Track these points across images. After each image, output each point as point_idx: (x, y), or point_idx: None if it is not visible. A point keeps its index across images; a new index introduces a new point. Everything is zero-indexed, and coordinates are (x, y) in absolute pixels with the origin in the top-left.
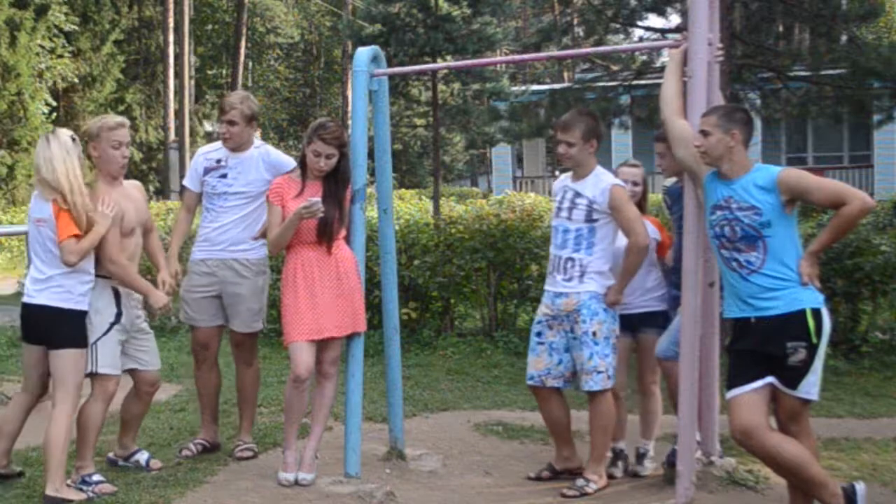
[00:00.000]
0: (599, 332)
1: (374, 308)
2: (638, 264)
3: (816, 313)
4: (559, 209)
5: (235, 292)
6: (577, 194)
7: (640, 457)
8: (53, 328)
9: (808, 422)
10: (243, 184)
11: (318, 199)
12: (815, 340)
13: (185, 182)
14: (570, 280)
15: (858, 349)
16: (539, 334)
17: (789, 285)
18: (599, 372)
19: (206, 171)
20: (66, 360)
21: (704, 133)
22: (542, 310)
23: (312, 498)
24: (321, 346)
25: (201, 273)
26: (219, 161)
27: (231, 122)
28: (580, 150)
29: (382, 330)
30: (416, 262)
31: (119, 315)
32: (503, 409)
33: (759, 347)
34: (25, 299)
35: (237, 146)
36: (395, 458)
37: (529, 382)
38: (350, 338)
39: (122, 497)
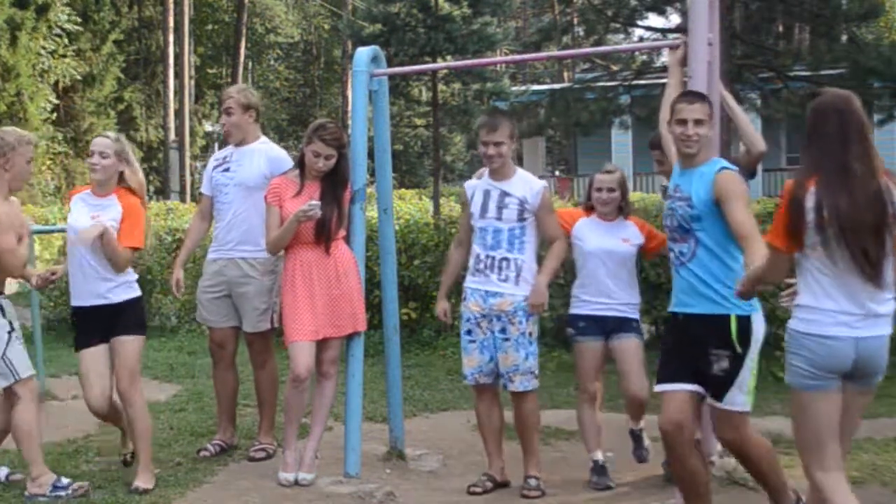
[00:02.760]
0: (534, 332)
1: (374, 308)
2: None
3: (744, 320)
4: (484, 209)
5: (241, 292)
6: (506, 194)
7: (639, 438)
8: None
9: (747, 430)
10: (242, 175)
11: (317, 202)
12: (738, 350)
13: (202, 188)
14: (505, 280)
15: None
16: (469, 332)
17: (717, 287)
18: (532, 372)
19: (214, 168)
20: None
21: (700, 122)
22: (471, 308)
23: (312, 498)
24: (321, 346)
25: (212, 273)
26: (225, 158)
27: (228, 112)
28: (508, 149)
29: (382, 330)
30: (416, 262)
31: (11, 324)
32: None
33: (686, 347)
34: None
35: (240, 139)
36: (395, 458)
37: (466, 382)
38: (350, 338)
39: (122, 497)
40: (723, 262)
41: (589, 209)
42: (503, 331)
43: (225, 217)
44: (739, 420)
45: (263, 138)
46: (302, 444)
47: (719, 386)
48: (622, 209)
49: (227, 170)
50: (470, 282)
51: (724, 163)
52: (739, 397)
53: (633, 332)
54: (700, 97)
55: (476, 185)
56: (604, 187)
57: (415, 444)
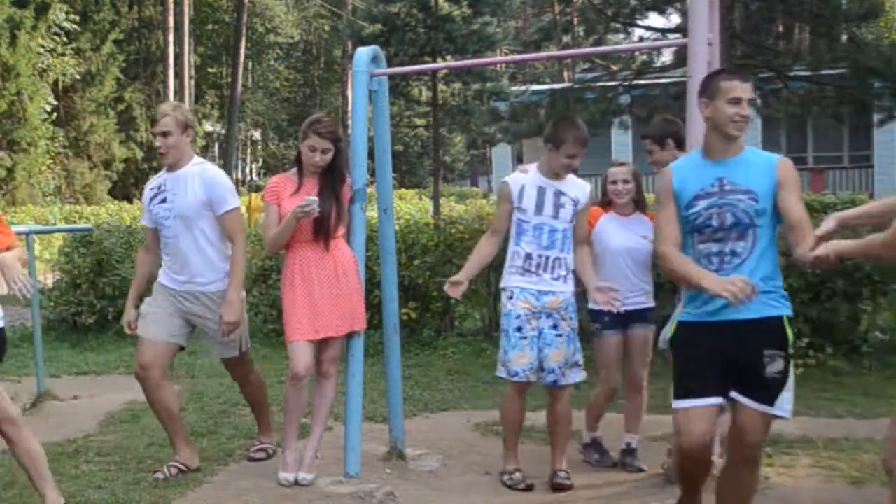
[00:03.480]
0: (577, 328)
1: (374, 308)
2: None
3: (791, 322)
4: (540, 207)
5: (205, 325)
6: (561, 193)
7: (632, 452)
8: None
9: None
10: (180, 206)
11: (314, 197)
12: (791, 350)
13: (142, 219)
14: (557, 279)
15: (858, 349)
16: (520, 329)
17: (769, 287)
18: (580, 364)
19: (151, 200)
20: None
21: (739, 101)
22: (522, 305)
23: (312, 498)
24: (320, 345)
25: (166, 296)
26: (160, 187)
27: (165, 134)
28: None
29: (382, 330)
30: (416, 262)
31: None
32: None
33: (729, 355)
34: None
35: (175, 161)
36: (395, 457)
37: (514, 379)
38: (350, 337)
39: (121, 497)
40: (772, 259)
41: (606, 205)
42: (555, 327)
43: (173, 252)
44: (766, 432)
45: (196, 158)
46: (302, 444)
47: (773, 389)
48: (637, 203)
49: (163, 200)
50: (518, 281)
51: (761, 151)
52: (789, 402)
53: (648, 322)
54: (744, 76)
55: (524, 181)
56: (619, 178)
57: (415, 444)
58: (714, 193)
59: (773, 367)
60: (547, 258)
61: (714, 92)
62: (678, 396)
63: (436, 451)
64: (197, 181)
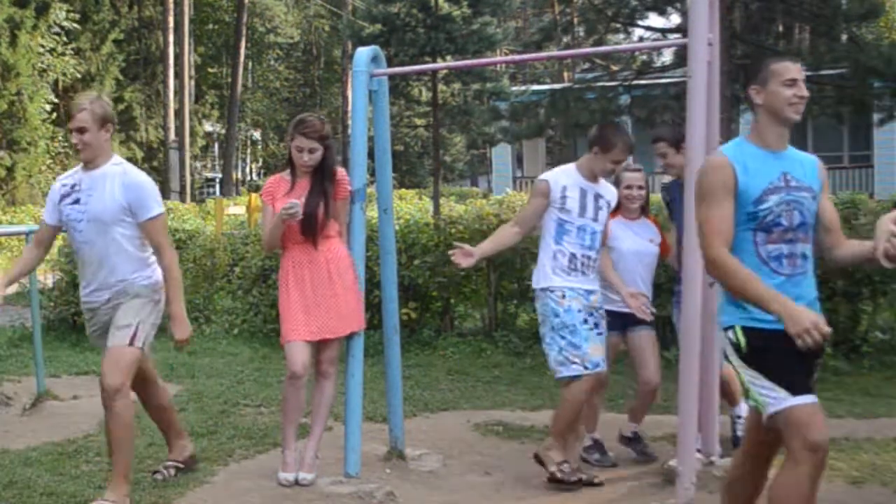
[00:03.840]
0: None
1: (374, 308)
2: None
3: None
4: (583, 209)
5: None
6: (599, 196)
7: (640, 439)
8: None
9: None
10: (95, 209)
11: (295, 200)
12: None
13: (44, 214)
14: (595, 279)
15: (858, 349)
16: (586, 321)
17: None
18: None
19: (62, 198)
20: None
21: (795, 81)
22: (576, 303)
23: (312, 498)
24: (319, 345)
25: (91, 314)
26: (73, 186)
27: (81, 130)
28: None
29: (382, 330)
30: (416, 262)
31: None
32: (503, 409)
33: (808, 358)
34: None
35: (92, 158)
36: (395, 458)
37: (596, 370)
38: (349, 337)
39: None
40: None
41: (614, 210)
42: (596, 325)
43: (87, 258)
44: None
45: (116, 158)
46: (302, 444)
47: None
48: (643, 208)
49: (77, 201)
50: (567, 281)
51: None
52: None
53: (649, 325)
54: (796, 58)
55: (565, 182)
56: (634, 184)
57: (415, 444)
58: (781, 189)
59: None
60: (589, 258)
61: (766, 76)
62: (786, 395)
63: (436, 451)
64: (117, 183)
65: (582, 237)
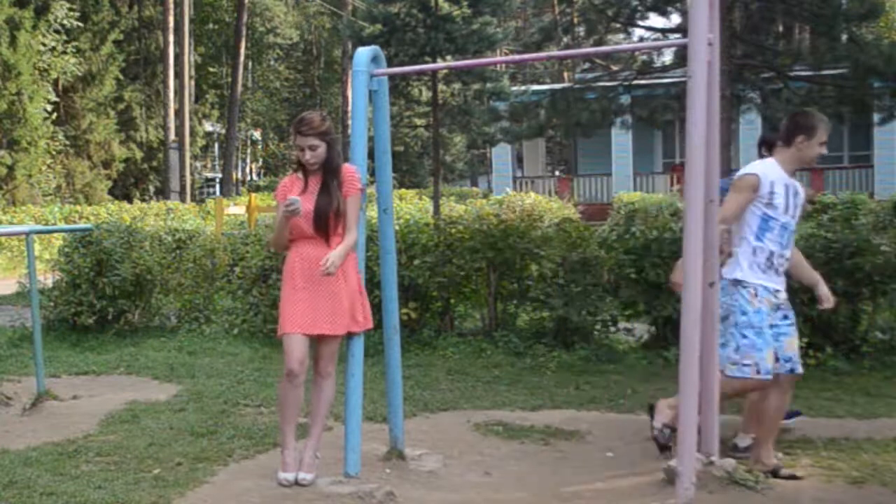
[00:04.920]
0: None
1: (374, 308)
2: None
3: None
4: (787, 206)
5: None
6: (797, 192)
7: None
8: None
9: None
10: None
11: (295, 197)
12: None
13: None
14: (783, 278)
15: (858, 349)
16: (772, 326)
17: None
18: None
19: None
20: None
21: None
22: (766, 304)
23: (312, 498)
24: (318, 344)
25: None
26: None
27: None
28: None
29: (382, 330)
30: (416, 262)
31: None
32: (503, 409)
33: None
34: None
35: None
36: (395, 457)
37: (766, 377)
38: (349, 337)
39: (121, 497)
40: None
41: None
42: (786, 317)
43: None
44: None
45: None
46: (301, 443)
47: None
48: None
49: None
50: (762, 279)
51: None
52: None
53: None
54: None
55: (773, 177)
56: None
57: (415, 443)
58: None
59: None
60: (783, 257)
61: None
62: None
63: (436, 450)
64: None
65: (782, 235)
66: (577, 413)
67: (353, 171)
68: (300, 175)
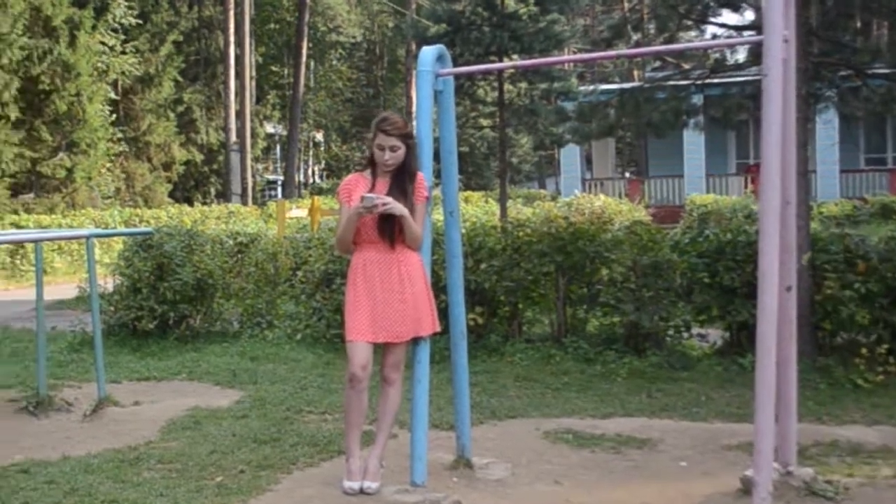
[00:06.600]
0: None
1: (440, 313)
2: None
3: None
4: None
5: None
6: None
7: None
8: None
9: None
10: None
11: (373, 195)
12: None
13: None
14: None
15: None
16: None
17: None
18: None
19: None
20: None
21: None
22: None
23: None
24: (383, 350)
25: None
26: None
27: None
28: None
29: (449, 335)
30: (482, 266)
31: None
32: (573, 416)
33: None
34: None
35: None
36: (462, 466)
37: None
38: (415, 342)
39: None
40: None
41: None
42: None
43: None
44: None
45: None
46: (366, 451)
47: None
48: None
49: None
50: None
51: None
52: None
53: None
54: None
55: None
56: None
57: (482, 452)
58: None
59: None
60: None
61: None
62: None
63: (504, 459)
64: None
65: None
66: (649, 421)
67: (422, 177)
68: (366, 174)
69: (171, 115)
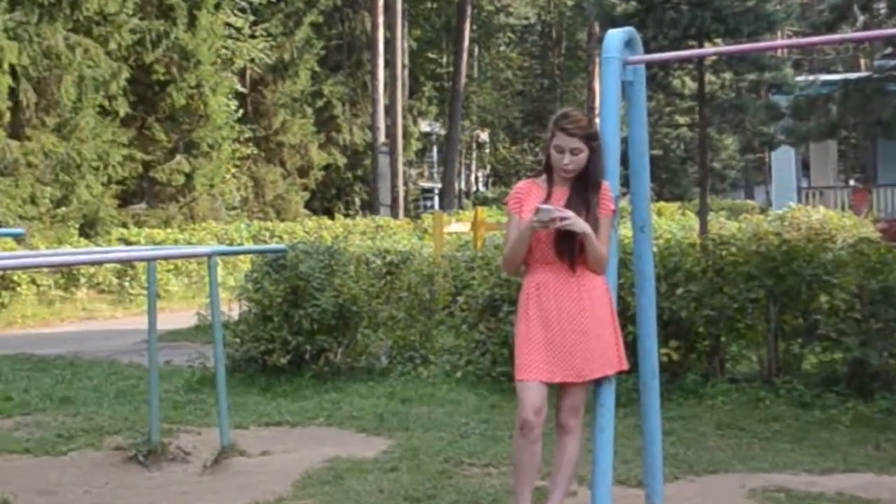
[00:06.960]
0: None
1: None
2: None
3: None
4: None
5: None
6: None
7: None
8: None
9: None
10: None
11: (550, 206)
12: None
13: None
14: None
15: None
16: None
17: None
18: None
19: None
20: None
21: None
22: None
23: None
24: (560, 391)
25: None
26: None
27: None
28: None
29: (637, 374)
30: (678, 292)
31: None
32: (785, 471)
33: None
34: None
35: None
36: None
37: None
38: (598, 383)
39: None
40: None
41: None
42: None
43: None
44: None
45: None
46: None
47: None
48: None
49: None
50: None
51: None
52: None
53: None
54: None
55: None
56: None
57: None
58: None
59: None
60: None
61: None
62: None
63: None
64: None
65: None
66: (876, 478)
67: (607, 187)
68: (541, 182)
69: (309, 110)
